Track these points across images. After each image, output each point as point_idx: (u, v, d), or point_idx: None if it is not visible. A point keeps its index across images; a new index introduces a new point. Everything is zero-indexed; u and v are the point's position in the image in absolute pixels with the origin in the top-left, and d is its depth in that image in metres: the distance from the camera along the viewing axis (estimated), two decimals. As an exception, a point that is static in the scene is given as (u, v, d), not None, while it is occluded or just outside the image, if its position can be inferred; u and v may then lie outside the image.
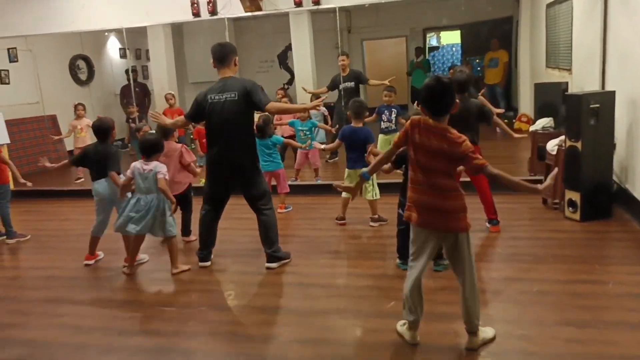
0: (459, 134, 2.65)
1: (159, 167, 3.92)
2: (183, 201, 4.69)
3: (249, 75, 10.50)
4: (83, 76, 10.63)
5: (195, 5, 6.31)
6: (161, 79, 9.61)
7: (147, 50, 10.56)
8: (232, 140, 3.96)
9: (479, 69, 11.34)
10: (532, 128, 6.08)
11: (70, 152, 8.50)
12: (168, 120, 4.43)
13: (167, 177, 3.96)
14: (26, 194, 7.10)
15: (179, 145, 4.70)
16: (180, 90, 10.68)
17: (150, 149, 3.99)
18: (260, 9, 6.22)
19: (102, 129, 4.44)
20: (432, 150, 2.63)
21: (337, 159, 8.03)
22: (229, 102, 3.92)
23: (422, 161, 2.67)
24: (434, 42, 13.61)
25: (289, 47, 11.27)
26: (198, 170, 4.97)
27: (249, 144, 4.07)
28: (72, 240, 5.21)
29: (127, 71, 10.38)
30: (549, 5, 7.54)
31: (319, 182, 6.70)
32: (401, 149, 2.83)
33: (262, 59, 12.52)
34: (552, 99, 6.13)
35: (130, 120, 8.29)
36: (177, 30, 10.81)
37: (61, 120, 9.55)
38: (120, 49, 11.32)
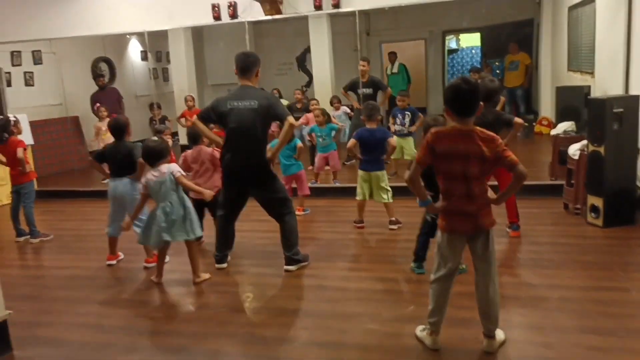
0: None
1: (171, 167, 3.90)
2: (213, 205, 4.67)
3: (268, 77, 10.57)
4: (105, 79, 10.77)
5: (216, 8, 6.37)
6: (181, 81, 9.73)
7: (168, 53, 10.71)
8: (249, 146, 3.98)
9: (497, 71, 11.24)
10: (553, 132, 6.01)
11: (92, 152, 8.62)
12: (211, 134, 4.35)
13: (183, 173, 3.96)
14: (49, 194, 7.25)
15: (210, 149, 4.71)
16: (200, 92, 10.80)
17: (155, 157, 3.92)
18: (280, 13, 6.25)
19: (117, 128, 4.54)
20: (462, 156, 2.58)
21: (353, 161, 8.03)
22: (248, 109, 3.95)
23: (453, 169, 2.61)
24: (453, 45, 13.52)
25: (307, 50, 11.30)
26: None
27: (263, 150, 4.07)
28: (94, 240, 5.30)
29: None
30: (571, 8, 7.46)
31: (337, 184, 6.71)
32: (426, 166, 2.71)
33: (280, 62, 12.57)
34: (574, 102, 6.06)
35: (153, 122, 8.40)
36: (197, 33, 10.90)
37: (83, 122, 9.74)
38: (141, 51, 11.47)
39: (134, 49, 11.47)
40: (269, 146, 4.14)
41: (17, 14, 7.15)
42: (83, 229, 5.91)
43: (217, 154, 4.55)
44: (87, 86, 10.24)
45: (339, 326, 3.20)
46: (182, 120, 7.96)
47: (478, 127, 2.64)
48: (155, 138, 4.12)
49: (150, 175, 3.90)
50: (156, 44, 10.96)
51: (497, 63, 11.39)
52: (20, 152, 5.18)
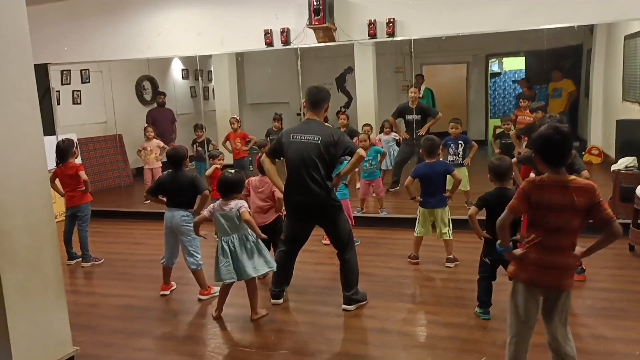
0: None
1: (239, 204, 3.87)
2: (269, 232, 4.62)
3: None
4: (148, 96, 10.91)
5: (269, 35, 6.36)
6: (224, 101, 9.79)
7: (209, 72, 10.79)
8: (310, 181, 3.88)
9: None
10: (614, 167, 5.80)
11: (139, 170, 8.69)
12: (275, 177, 4.18)
13: (249, 210, 3.91)
14: (94, 214, 7.28)
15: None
16: (240, 111, 10.84)
17: (231, 189, 3.89)
18: (333, 40, 6.21)
19: (176, 158, 4.51)
20: (558, 207, 2.48)
21: (398, 188, 7.92)
22: (311, 144, 3.88)
23: (546, 220, 2.50)
24: (495, 68, 13.33)
25: (347, 71, 11.29)
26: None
27: (326, 185, 3.99)
28: (144, 267, 5.29)
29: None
30: (628, 37, 7.25)
31: (384, 214, 6.60)
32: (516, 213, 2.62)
33: (320, 82, 12.53)
34: (635, 136, 5.85)
35: (196, 144, 8.43)
36: (239, 53, 10.98)
37: (126, 139, 9.85)
38: (182, 69, 11.59)
39: (176, 68, 11.60)
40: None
41: (72, 36, 7.28)
42: (132, 253, 5.91)
43: (278, 194, 4.46)
44: (131, 104, 10.40)
45: (409, 378, 3.08)
46: (227, 144, 7.97)
47: (573, 177, 2.53)
48: (233, 170, 4.06)
49: (219, 207, 3.86)
50: (196, 63, 11.05)
51: (541, 88, 11.18)
52: (83, 174, 5.24)
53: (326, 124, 4.28)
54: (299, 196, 3.94)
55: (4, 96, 2.79)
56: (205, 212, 3.95)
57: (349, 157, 4.02)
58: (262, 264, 3.88)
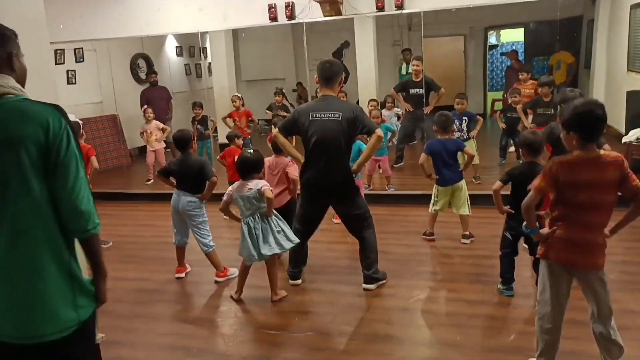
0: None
1: (260, 183, 3.80)
2: (283, 214, 4.55)
3: (302, 71, 10.37)
4: (143, 75, 10.68)
5: (273, 9, 6.19)
6: (221, 78, 9.60)
7: (202, 49, 10.56)
8: (332, 159, 3.83)
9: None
10: (625, 139, 5.78)
11: (140, 150, 8.52)
12: (292, 150, 4.15)
13: (270, 187, 3.83)
14: (96, 196, 7.16)
15: (287, 159, 4.57)
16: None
17: (250, 169, 3.81)
18: (340, 14, 6.06)
19: (182, 141, 4.43)
20: (591, 184, 2.43)
21: (402, 164, 7.87)
22: (332, 121, 3.79)
23: (578, 198, 2.46)
24: (492, 40, 13.20)
25: (344, 45, 11.10)
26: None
27: (347, 163, 3.94)
28: (153, 249, 5.22)
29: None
30: (634, 7, 7.16)
31: (392, 190, 6.55)
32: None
33: (316, 57, 12.32)
34: (646, 108, 5.82)
35: (196, 122, 8.27)
36: (234, 30, 10.76)
37: (123, 119, 9.65)
38: (176, 47, 11.34)
39: (170, 45, 11.34)
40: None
41: (66, 14, 7.05)
42: (141, 236, 5.82)
43: (294, 169, 4.39)
44: (126, 83, 10.17)
45: (441, 357, 3.06)
46: (229, 120, 7.82)
47: (603, 151, 2.48)
48: (251, 150, 3.97)
49: (239, 188, 3.79)
50: (189, 40, 10.82)
51: (540, 59, 11.11)
52: (94, 161, 5.06)
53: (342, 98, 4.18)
54: (320, 174, 3.86)
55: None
56: (225, 197, 3.88)
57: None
58: (281, 241, 3.79)
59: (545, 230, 2.61)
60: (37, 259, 1.73)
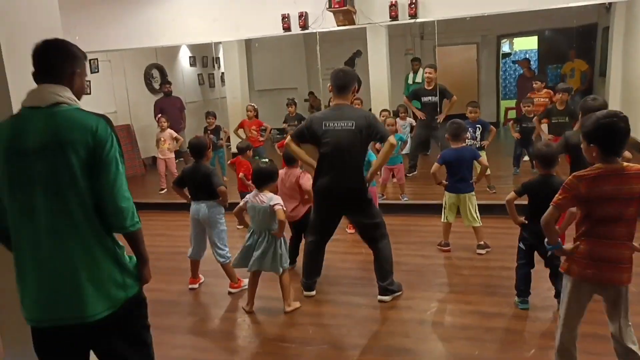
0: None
1: (274, 199, 3.78)
2: (298, 229, 4.55)
3: (315, 81, 10.39)
4: (156, 85, 10.77)
5: (287, 19, 6.22)
6: (234, 88, 9.65)
7: (215, 58, 10.63)
8: (345, 169, 3.82)
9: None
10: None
11: (155, 159, 8.56)
12: (306, 156, 4.10)
13: (284, 207, 3.82)
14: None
15: (299, 171, 4.55)
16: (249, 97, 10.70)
17: (266, 179, 3.83)
18: (353, 23, 6.07)
19: (198, 148, 4.41)
20: (614, 197, 2.39)
21: (415, 173, 7.83)
22: (345, 130, 3.78)
23: (606, 212, 2.42)
24: (505, 49, 13.13)
25: (356, 54, 11.09)
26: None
27: (361, 172, 3.92)
28: (170, 259, 5.21)
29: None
30: (650, 14, 7.09)
31: (406, 200, 6.51)
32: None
33: (328, 66, 12.35)
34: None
35: (208, 132, 8.30)
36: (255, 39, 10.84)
37: (136, 128, 9.73)
38: (189, 57, 11.43)
39: (184, 55, 11.44)
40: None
41: (82, 26, 7.12)
42: (156, 246, 5.79)
43: (306, 179, 4.38)
44: (140, 93, 10.26)
45: (459, 372, 3.02)
46: (240, 131, 7.85)
47: (626, 163, 2.44)
48: (266, 160, 3.98)
49: (253, 197, 3.80)
50: (203, 50, 10.90)
51: (553, 67, 11.03)
52: None
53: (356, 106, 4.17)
54: (333, 185, 3.84)
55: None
56: (241, 203, 3.90)
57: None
58: (274, 262, 3.80)
59: (568, 246, 2.57)
60: (88, 247, 1.96)
